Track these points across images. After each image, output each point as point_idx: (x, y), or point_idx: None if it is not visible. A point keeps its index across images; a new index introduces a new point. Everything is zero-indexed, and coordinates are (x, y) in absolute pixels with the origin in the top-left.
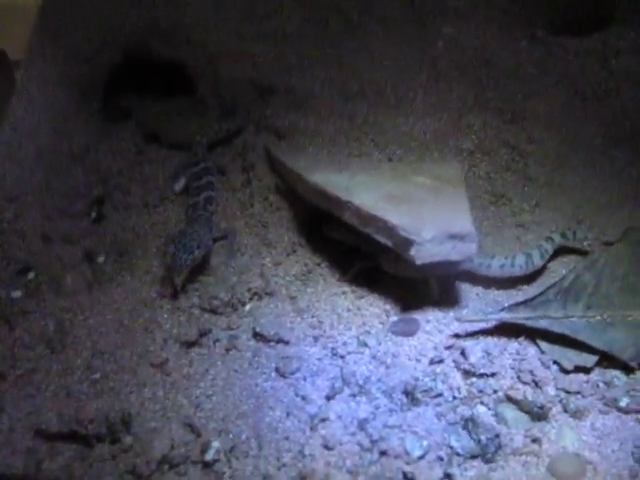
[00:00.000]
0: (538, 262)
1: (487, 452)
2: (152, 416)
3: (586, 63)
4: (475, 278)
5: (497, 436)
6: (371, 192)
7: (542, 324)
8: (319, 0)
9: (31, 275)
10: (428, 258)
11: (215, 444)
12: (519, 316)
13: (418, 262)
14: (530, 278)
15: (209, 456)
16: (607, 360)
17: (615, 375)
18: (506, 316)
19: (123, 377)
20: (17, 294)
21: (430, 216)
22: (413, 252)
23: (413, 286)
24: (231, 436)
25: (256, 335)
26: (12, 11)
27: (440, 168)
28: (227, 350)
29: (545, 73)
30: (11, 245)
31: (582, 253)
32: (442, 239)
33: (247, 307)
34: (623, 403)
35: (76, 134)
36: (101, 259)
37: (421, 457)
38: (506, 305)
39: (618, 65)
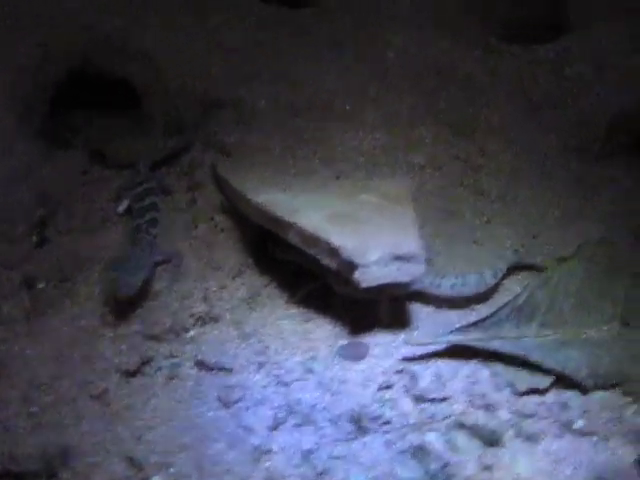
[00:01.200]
0: (491, 281)
1: None
2: (91, 450)
3: (540, 71)
4: (427, 298)
5: (447, 464)
6: (316, 212)
7: (494, 345)
8: (269, 12)
9: None
10: (374, 281)
11: (156, 479)
12: (470, 338)
13: (363, 285)
14: (483, 297)
15: None
16: (562, 381)
17: (570, 396)
18: (457, 338)
19: (62, 409)
20: None
21: (375, 237)
22: (357, 275)
23: (363, 308)
24: (172, 470)
25: (198, 363)
26: None
27: (388, 185)
28: (169, 379)
29: (498, 82)
30: None
31: (537, 269)
32: (387, 261)
33: (190, 333)
34: (578, 425)
35: (18, 153)
36: (41, 285)
37: None
38: (457, 326)
39: (572, 73)
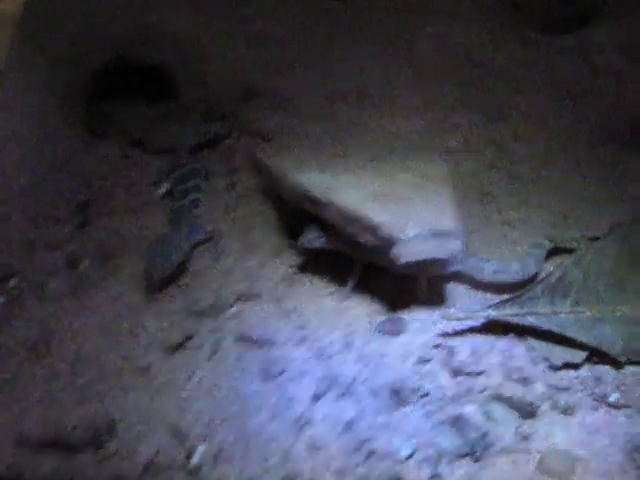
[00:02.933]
0: (533, 270)
1: (476, 450)
2: (137, 421)
3: (571, 60)
4: (468, 280)
5: (486, 434)
6: (355, 191)
7: (530, 321)
8: (304, 1)
9: (13, 282)
10: (412, 256)
11: (201, 449)
12: (506, 313)
13: (402, 260)
14: (523, 286)
15: (195, 461)
16: (596, 356)
17: (604, 370)
18: (493, 313)
19: (108, 382)
20: (0, 300)
21: (414, 213)
22: (396, 250)
23: (400, 285)
24: (217, 440)
25: (240, 338)
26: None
27: (426, 166)
28: (212, 353)
29: (531, 71)
30: None
31: (571, 251)
32: (426, 236)
33: (232, 310)
34: (613, 398)
35: (59, 139)
36: (85, 264)
37: (409, 457)
38: (493, 302)
39: (601, 62)
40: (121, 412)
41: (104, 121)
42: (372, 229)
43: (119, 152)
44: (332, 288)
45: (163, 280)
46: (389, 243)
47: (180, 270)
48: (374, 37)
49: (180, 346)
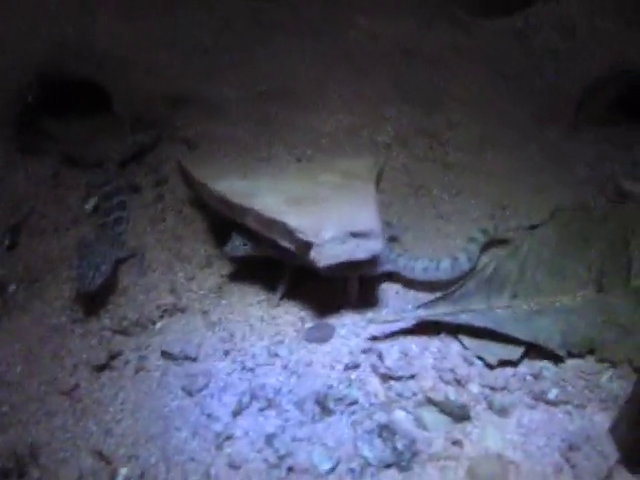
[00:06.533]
0: (465, 266)
1: (402, 460)
2: (61, 446)
3: (506, 43)
4: (399, 280)
5: (413, 442)
6: (274, 196)
7: (463, 318)
8: (230, 5)
9: None
10: (331, 259)
11: (124, 471)
12: (438, 312)
13: (321, 264)
14: (458, 281)
15: None
16: (535, 350)
17: (544, 366)
18: (423, 313)
19: (32, 407)
20: None
21: (332, 215)
22: (313, 254)
23: (331, 289)
24: (140, 461)
25: (164, 354)
26: None
27: (350, 163)
28: (136, 371)
29: (466, 56)
30: None
31: (508, 242)
32: (344, 238)
33: (157, 325)
34: (552, 395)
35: None
36: (12, 288)
37: (330, 471)
38: (426, 301)
39: (538, 42)
40: (46, 437)
41: (36, 138)
42: (289, 234)
43: (50, 169)
44: (262, 296)
45: (95, 292)
46: (306, 247)
47: (107, 289)
48: (303, 34)
49: (105, 366)
